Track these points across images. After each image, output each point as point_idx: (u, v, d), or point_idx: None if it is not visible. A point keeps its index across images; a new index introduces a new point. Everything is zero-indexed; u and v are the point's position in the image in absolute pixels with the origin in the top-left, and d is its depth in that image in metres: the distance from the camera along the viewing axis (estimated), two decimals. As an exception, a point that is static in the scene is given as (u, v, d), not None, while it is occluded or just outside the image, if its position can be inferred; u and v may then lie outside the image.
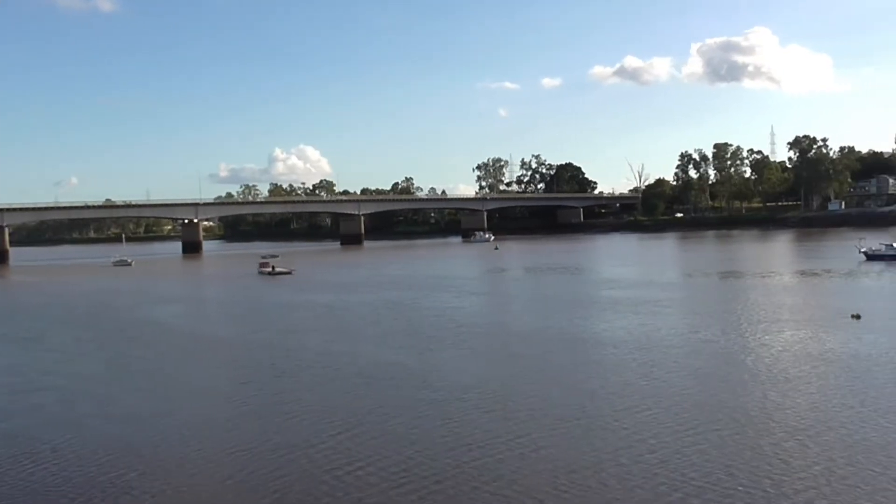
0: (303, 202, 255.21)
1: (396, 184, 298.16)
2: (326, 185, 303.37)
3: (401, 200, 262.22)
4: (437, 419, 24.67)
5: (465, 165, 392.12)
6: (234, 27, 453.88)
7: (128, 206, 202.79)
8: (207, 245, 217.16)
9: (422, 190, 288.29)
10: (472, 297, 64.95)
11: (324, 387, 30.63)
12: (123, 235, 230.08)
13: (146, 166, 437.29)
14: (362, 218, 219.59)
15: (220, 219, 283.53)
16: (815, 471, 18.61)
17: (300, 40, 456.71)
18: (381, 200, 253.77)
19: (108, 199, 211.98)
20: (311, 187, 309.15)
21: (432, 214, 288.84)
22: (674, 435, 21.85)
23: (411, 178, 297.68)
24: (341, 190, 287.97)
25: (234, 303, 69.56)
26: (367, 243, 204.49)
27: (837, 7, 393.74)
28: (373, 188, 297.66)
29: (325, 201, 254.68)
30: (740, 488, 17.64)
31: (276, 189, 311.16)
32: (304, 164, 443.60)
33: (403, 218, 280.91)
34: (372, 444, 22.15)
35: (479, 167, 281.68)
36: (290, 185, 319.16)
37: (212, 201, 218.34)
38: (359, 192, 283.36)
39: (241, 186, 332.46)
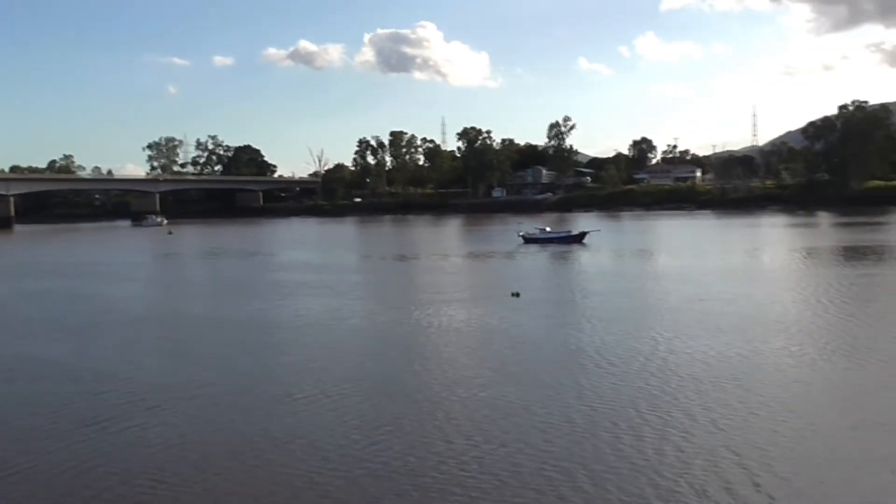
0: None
1: (54, 162, 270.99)
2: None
3: (60, 180, 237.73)
4: (66, 409, 22.62)
5: (134, 144, 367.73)
6: None
7: None
8: None
9: (84, 169, 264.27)
10: (137, 284, 59.86)
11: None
12: None
13: None
14: (12, 199, 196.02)
15: None
16: (457, 428, 19.71)
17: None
18: (36, 180, 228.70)
19: None
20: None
21: (97, 196, 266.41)
22: (322, 407, 22.10)
23: (71, 156, 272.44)
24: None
25: None
26: (18, 227, 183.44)
27: (493, 9, 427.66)
28: (25, 166, 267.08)
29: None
30: (379, 450, 18.28)
31: None
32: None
33: (63, 200, 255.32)
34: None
35: (150, 146, 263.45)
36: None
37: None
38: (7, 170, 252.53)
39: None
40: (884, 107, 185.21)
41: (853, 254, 63.84)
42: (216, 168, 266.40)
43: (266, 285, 54.86)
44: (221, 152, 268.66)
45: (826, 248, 71.12)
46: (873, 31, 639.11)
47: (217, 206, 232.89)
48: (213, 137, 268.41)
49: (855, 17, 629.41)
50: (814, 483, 15.72)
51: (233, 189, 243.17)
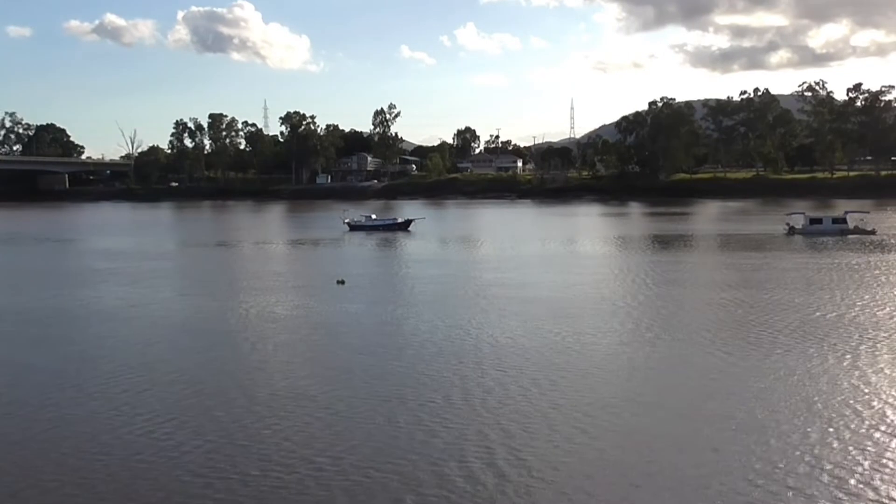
0: None
1: None
2: None
3: None
4: None
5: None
6: None
7: None
8: None
9: None
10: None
11: None
12: None
13: None
14: None
15: None
16: (236, 418, 19.48)
17: None
18: None
19: None
20: None
21: None
22: (101, 399, 21.39)
23: None
24: None
25: None
26: None
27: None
28: None
29: None
30: (150, 443, 17.98)
31: None
32: None
33: None
34: None
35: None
36: None
37: None
38: None
39: None
40: (688, 104, 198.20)
41: (656, 242, 68.19)
42: (15, 148, 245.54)
43: (64, 273, 51.88)
44: (21, 131, 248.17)
45: (633, 236, 75.20)
46: (676, 33, 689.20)
47: (16, 189, 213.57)
48: (11, 114, 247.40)
49: (660, 18, 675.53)
50: (571, 459, 16.48)
51: (34, 171, 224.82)
